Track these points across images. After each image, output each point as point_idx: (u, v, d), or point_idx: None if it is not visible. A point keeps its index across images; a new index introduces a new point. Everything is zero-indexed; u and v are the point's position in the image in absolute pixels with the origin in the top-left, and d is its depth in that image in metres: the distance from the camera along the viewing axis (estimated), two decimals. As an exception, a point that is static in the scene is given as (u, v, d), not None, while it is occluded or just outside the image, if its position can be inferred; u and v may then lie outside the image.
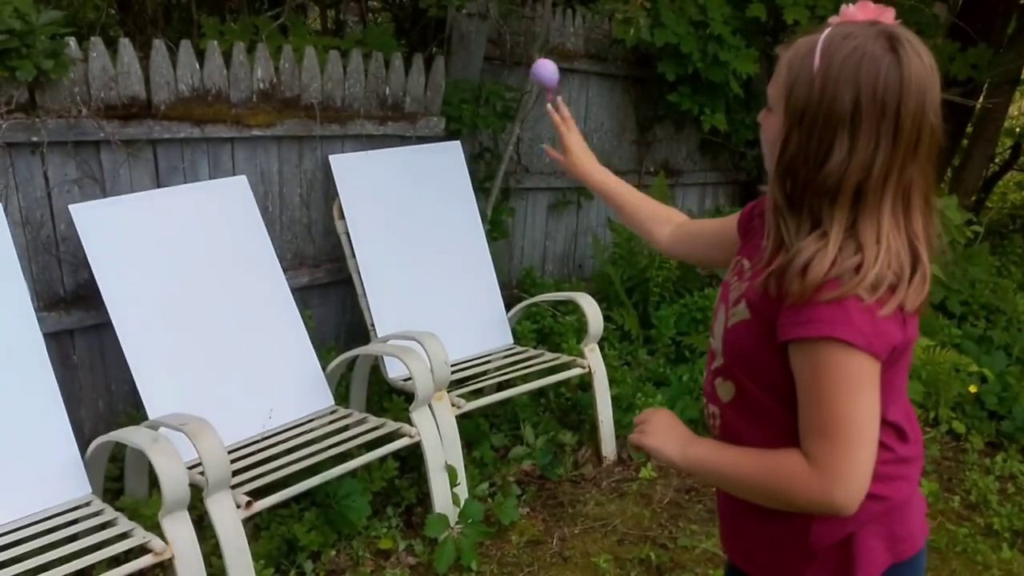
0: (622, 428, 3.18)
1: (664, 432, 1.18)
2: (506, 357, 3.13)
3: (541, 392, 3.32)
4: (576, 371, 3.05)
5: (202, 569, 1.99)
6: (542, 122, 3.92)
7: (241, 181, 2.77)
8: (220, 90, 2.73)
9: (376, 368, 2.92)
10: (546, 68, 1.77)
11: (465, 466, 2.70)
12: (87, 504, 2.12)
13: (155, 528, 1.96)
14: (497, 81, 3.56)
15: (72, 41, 2.37)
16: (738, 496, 1.14)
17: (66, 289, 2.52)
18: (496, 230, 3.62)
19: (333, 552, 2.48)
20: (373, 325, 2.94)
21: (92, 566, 1.85)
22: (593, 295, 3.27)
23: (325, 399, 2.71)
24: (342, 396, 2.86)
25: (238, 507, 2.08)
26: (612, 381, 3.20)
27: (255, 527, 2.43)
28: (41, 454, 2.12)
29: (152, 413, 2.31)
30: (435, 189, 3.20)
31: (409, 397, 2.65)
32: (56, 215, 2.45)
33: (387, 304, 2.97)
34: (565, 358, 3.10)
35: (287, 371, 2.67)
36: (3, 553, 1.87)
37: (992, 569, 2.58)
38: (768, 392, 1.11)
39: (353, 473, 2.49)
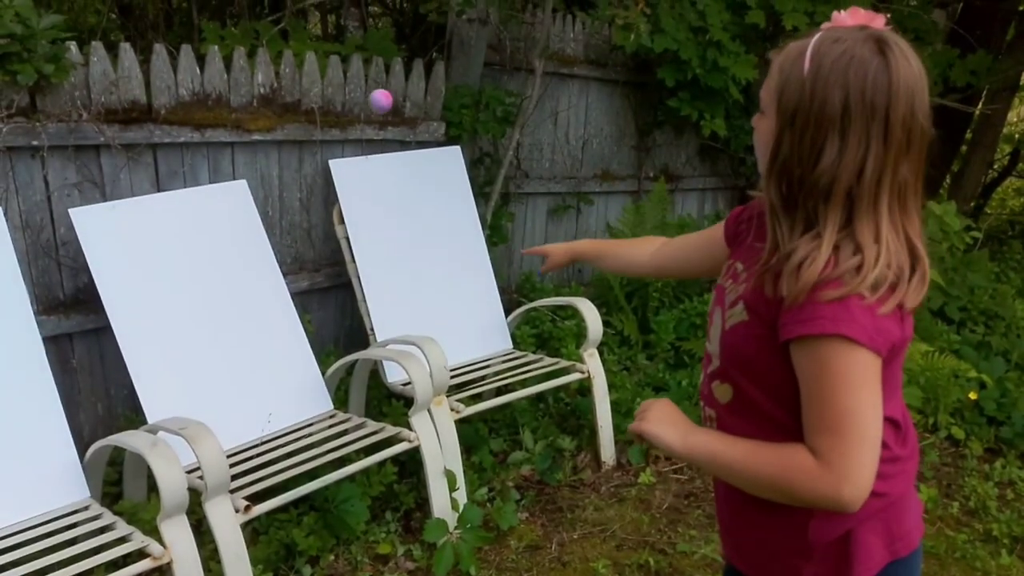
0: (621, 433, 3.18)
1: (665, 420, 1.18)
2: (505, 362, 3.13)
3: (540, 397, 3.32)
4: (575, 376, 3.05)
5: (201, 573, 1.98)
6: (542, 128, 3.93)
7: (241, 185, 2.77)
8: (220, 95, 2.74)
9: (375, 372, 2.92)
10: (378, 100, 2.28)
11: (464, 471, 2.70)
12: (86, 508, 2.12)
13: (154, 532, 1.96)
14: (497, 86, 3.57)
15: (73, 45, 2.37)
16: (739, 486, 1.14)
17: (65, 293, 2.52)
18: (496, 235, 3.62)
19: (332, 557, 2.48)
20: (372, 329, 2.94)
21: (91, 570, 1.85)
22: (592, 300, 3.28)
23: (324, 403, 2.71)
24: (341, 400, 2.86)
25: (237, 511, 2.08)
26: (611, 386, 3.20)
27: (254, 531, 2.43)
28: (40, 458, 2.12)
29: (151, 417, 2.31)
30: (435, 194, 3.21)
31: (408, 402, 2.65)
32: (56, 219, 2.45)
33: (387, 308, 2.97)
34: (564, 363, 3.10)
35: (286, 375, 2.67)
36: (2, 557, 1.87)
37: (991, 575, 2.58)
38: (766, 393, 1.12)
39: (352, 478, 2.49)
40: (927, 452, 3.23)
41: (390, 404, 2.96)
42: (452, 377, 2.77)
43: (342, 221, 2.98)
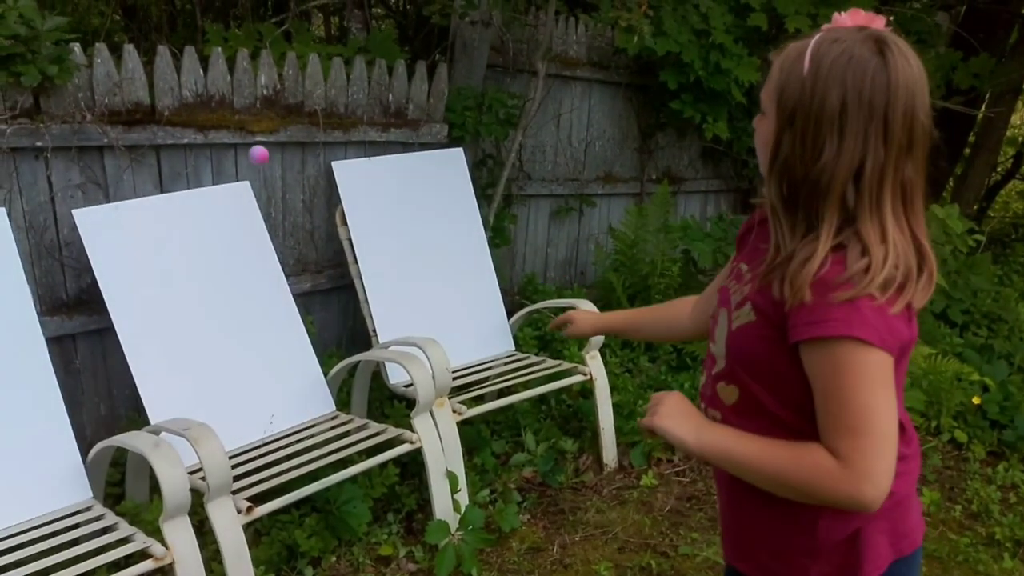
0: (623, 435, 3.18)
1: (677, 415, 1.17)
2: (507, 364, 3.13)
3: (542, 399, 3.32)
4: (577, 378, 3.05)
5: (203, 574, 1.99)
6: (544, 130, 3.93)
7: (244, 187, 2.77)
8: (224, 96, 2.74)
9: (377, 374, 2.92)
10: (254, 156, 2.51)
11: (466, 473, 2.69)
12: (88, 509, 2.12)
13: (156, 533, 1.96)
14: (500, 88, 3.57)
15: (77, 47, 2.38)
16: (754, 483, 1.12)
17: (68, 294, 2.53)
18: (498, 237, 3.62)
19: (333, 558, 2.48)
20: (375, 331, 2.94)
21: (93, 571, 1.85)
22: (595, 302, 3.27)
23: (327, 405, 2.71)
24: (344, 402, 2.86)
25: (239, 512, 2.08)
26: (613, 388, 3.20)
27: (256, 532, 2.43)
28: (43, 458, 2.12)
29: (154, 418, 2.31)
30: (437, 196, 3.21)
31: (410, 403, 2.65)
32: (59, 220, 2.45)
33: (389, 310, 2.97)
34: (566, 365, 3.10)
35: (289, 376, 2.67)
36: (5, 557, 1.87)
37: (994, 579, 2.58)
38: (773, 394, 1.12)
39: (354, 479, 2.49)
40: (930, 455, 3.23)
41: (392, 405, 2.96)
42: (454, 379, 2.77)
43: (345, 223, 2.98)
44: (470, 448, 2.96)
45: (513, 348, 3.30)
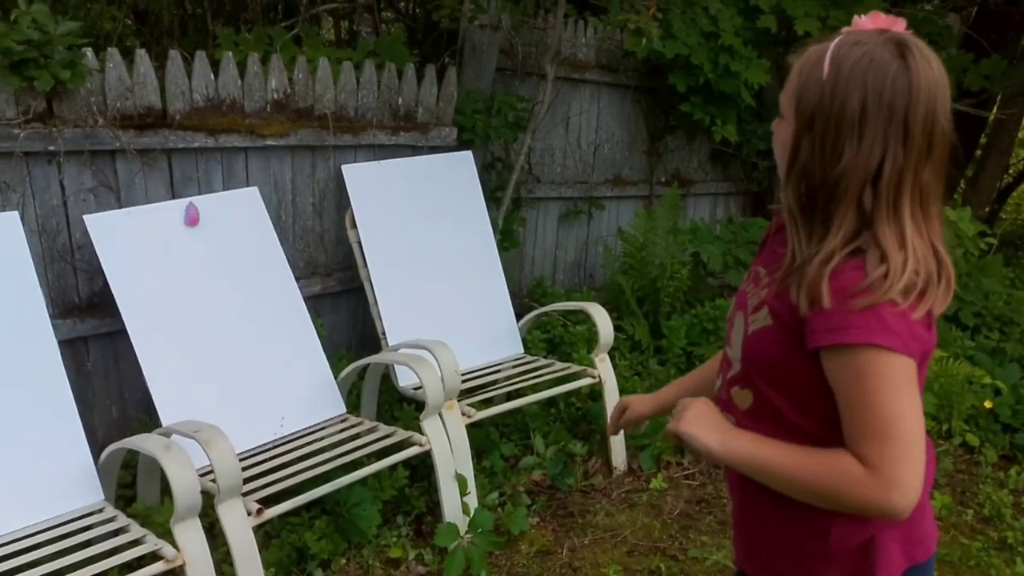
0: (632, 438, 3.17)
1: (703, 421, 1.16)
2: (516, 366, 3.13)
3: (551, 402, 3.32)
4: (586, 381, 3.05)
5: (213, 576, 1.99)
6: (553, 133, 3.93)
7: (253, 192, 2.78)
8: (234, 100, 2.76)
9: (387, 376, 2.93)
10: (190, 218, 2.56)
11: (475, 475, 2.70)
12: (100, 510, 2.13)
13: (167, 535, 1.97)
14: (509, 91, 3.58)
15: (89, 52, 2.39)
16: (780, 491, 1.11)
17: (81, 297, 2.54)
18: (507, 239, 3.63)
19: (343, 560, 2.48)
20: (384, 334, 2.95)
21: (105, 572, 1.86)
22: (604, 305, 3.27)
23: (337, 407, 2.72)
24: (353, 404, 2.87)
25: (249, 514, 2.09)
26: (623, 391, 3.19)
27: (266, 535, 2.44)
28: (55, 460, 2.13)
29: (166, 420, 2.32)
30: (447, 199, 3.22)
31: (420, 406, 2.65)
32: (72, 223, 2.47)
33: (398, 313, 2.98)
34: (575, 368, 3.10)
35: (300, 379, 2.68)
36: (17, 559, 1.89)
37: (1006, 583, 2.56)
38: (789, 399, 1.11)
39: (364, 481, 2.49)
40: (941, 459, 3.21)
41: (401, 408, 2.96)
42: (463, 381, 2.77)
43: (354, 226, 2.99)
44: (479, 451, 2.96)
45: (522, 351, 3.30)
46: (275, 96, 2.85)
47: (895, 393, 1.00)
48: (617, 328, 3.55)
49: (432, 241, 3.14)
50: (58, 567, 1.85)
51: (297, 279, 2.82)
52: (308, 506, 2.40)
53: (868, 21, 1.07)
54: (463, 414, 2.67)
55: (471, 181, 3.30)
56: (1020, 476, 3.15)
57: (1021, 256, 5.35)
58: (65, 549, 1.93)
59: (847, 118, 1.01)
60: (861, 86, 1.01)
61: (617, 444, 3.11)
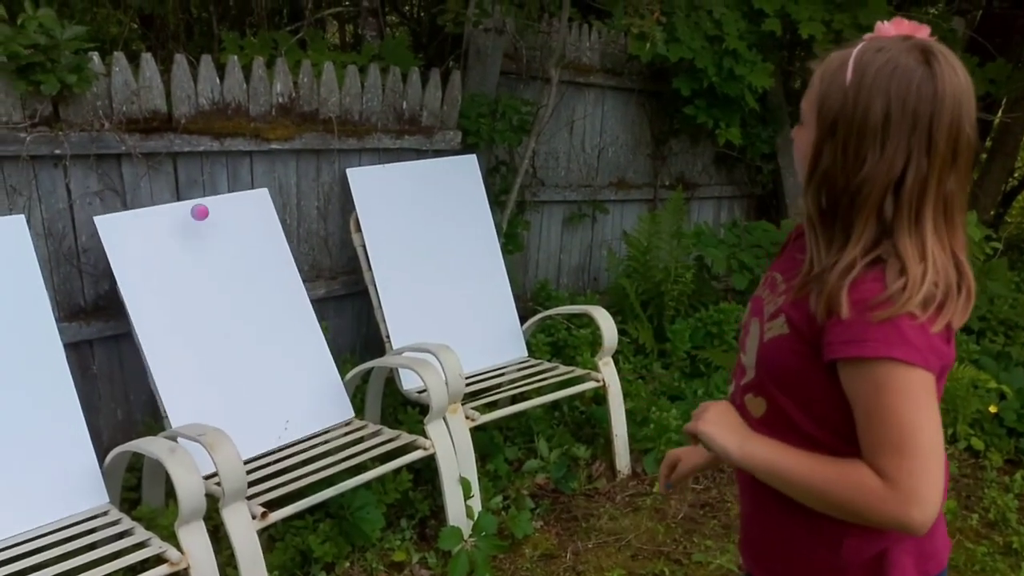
0: (636, 442, 3.17)
1: (723, 422, 1.15)
2: (520, 370, 3.13)
3: (555, 405, 3.31)
4: (590, 384, 3.05)
5: (217, 579, 2.00)
6: (558, 136, 3.94)
7: (262, 194, 2.79)
8: (240, 104, 2.77)
9: (391, 380, 2.93)
10: (197, 213, 2.54)
11: (479, 479, 2.70)
12: (105, 513, 2.14)
13: (171, 538, 1.98)
14: (513, 95, 3.58)
15: (95, 56, 2.41)
16: (796, 498, 1.10)
17: (86, 300, 2.55)
18: (511, 243, 3.63)
19: (347, 564, 2.48)
20: (388, 337, 2.95)
21: (109, 575, 1.87)
22: (608, 308, 3.27)
23: (345, 411, 2.72)
24: (357, 408, 2.87)
25: (253, 518, 2.09)
26: (626, 395, 3.19)
27: (270, 538, 2.44)
28: (60, 463, 2.14)
29: (174, 423, 2.33)
30: (451, 202, 3.22)
31: (424, 409, 2.65)
32: (78, 227, 2.48)
33: (402, 316, 2.98)
34: (579, 371, 3.10)
35: (307, 382, 2.68)
36: (22, 561, 1.89)
37: (1011, 588, 2.55)
38: (803, 409, 1.10)
39: (368, 485, 2.49)
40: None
41: (406, 411, 2.97)
42: (467, 385, 2.77)
43: (359, 229, 3.00)
44: (483, 454, 2.96)
45: (526, 354, 3.30)
46: (280, 100, 2.86)
47: (914, 407, 0.98)
48: (621, 332, 3.55)
49: (436, 244, 3.15)
50: (63, 570, 1.85)
51: (302, 282, 2.82)
52: (312, 509, 2.40)
53: (891, 27, 1.05)
54: (467, 417, 2.67)
55: (475, 185, 3.31)
56: (1025, 481, 3.14)
57: (1026, 260, 5.33)
58: (70, 552, 1.93)
59: (870, 125, 1.00)
60: (885, 93, 0.99)
61: (621, 448, 3.10)
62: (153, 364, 2.36)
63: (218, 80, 2.70)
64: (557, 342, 3.57)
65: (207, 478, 2.08)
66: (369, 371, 2.83)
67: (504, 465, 2.99)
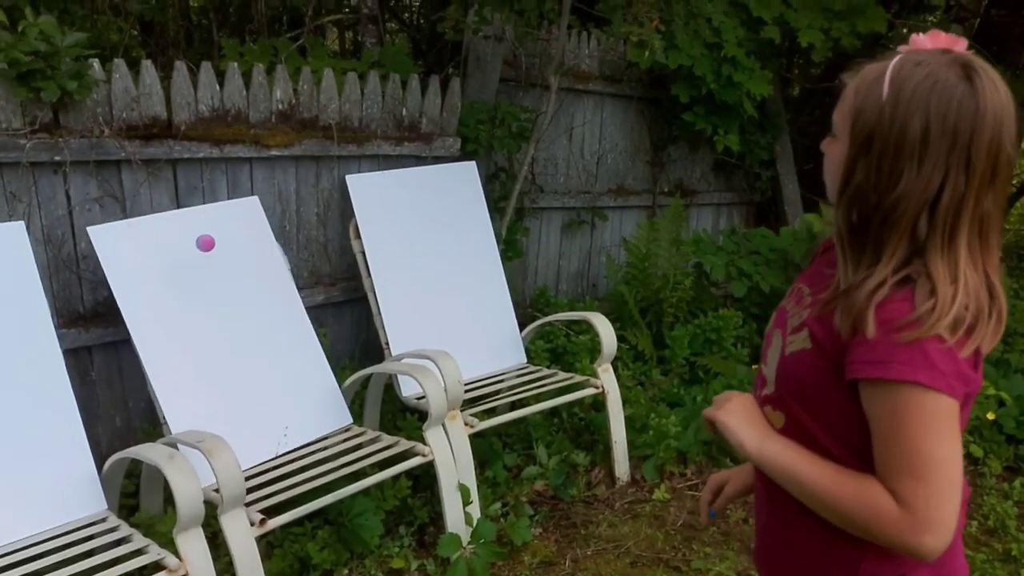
0: (635, 449, 3.17)
1: (744, 415, 1.13)
2: (519, 376, 3.13)
3: (554, 412, 3.31)
4: (589, 391, 3.05)
5: (216, 586, 1.99)
6: (557, 143, 3.94)
7: (253, 202, 2.79)
8: (239, 111, 2.77)
9: (390, 386, 2.93)
10: (204, 243, 2.55)
11: (478, 486, 2.69)
12: (103, 520, 2.13)
13: (170, 545, 1.97)
14: (512, 102, 3.59)
15: (96, 63, 2.41)
16: (808, 504, 1.08)
17: (85, 306, 2.55)
18: (510, 249, 3.63)
19: (346, 571, 2.48)
20: (387, 343, 2.95)
21: (107, 582, 1.86)
22: (607, 315, 3.28)
23: (343, 417, 2.72)
24: (356, 414, 2.87)
25: (252, 525, 2.09)
26: (626, 401, 3.19)
27: (268, 545, 2.44)
28: (58, 469, 2.14)
29: (174, 429, 2.32)
30: (450, 209, 3.23)
31: (423, 416, 2.65)
32: (77, 233, 2.48)
33: (401, 323, 2.98)
34: (578, 378, 3.10)
35: (304, 389, 2.68)
36: (20, 568, 1.89)
37: (1011, 596, 2.55)
38: (822, 425, 1.08)
39: (366, 492, 2.49)
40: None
41: (404, 418, 2.97)
42: (466, 391, 2.77)
43: (358, 236, 3.00)
44: (482, 461, 2.96)
45: (525, 361, 3.30)
46: (280, 106, 2.87)
47: (935, 434, 0.96)
48: (620, 338, 3.55)
49: (436, 251, 3.15)
50: (61, 577, 1.85)
51: (301, 289, 2.82)
52: (311, 516, 2.40)
53: (928, 40, 1.01)
54: (466, 424, 2.66)
55: (475, 191, 3.31)
56: (1024, 488, 3.14)
57: (1025, 267, 5.34)
58: (68, 559, 1.93)
59: (908, 142, 0.96)
60: (924, 109, 0.96)
61: (620, 454, 3.10)
62: (151, 371, 2.36)
63: (218, 87, 2.71)
64: (556, 349, 3.57)
65: (205, 485, 2.08)
66: (368, 377, 2.83)
67: (503, 472, 2.98)
